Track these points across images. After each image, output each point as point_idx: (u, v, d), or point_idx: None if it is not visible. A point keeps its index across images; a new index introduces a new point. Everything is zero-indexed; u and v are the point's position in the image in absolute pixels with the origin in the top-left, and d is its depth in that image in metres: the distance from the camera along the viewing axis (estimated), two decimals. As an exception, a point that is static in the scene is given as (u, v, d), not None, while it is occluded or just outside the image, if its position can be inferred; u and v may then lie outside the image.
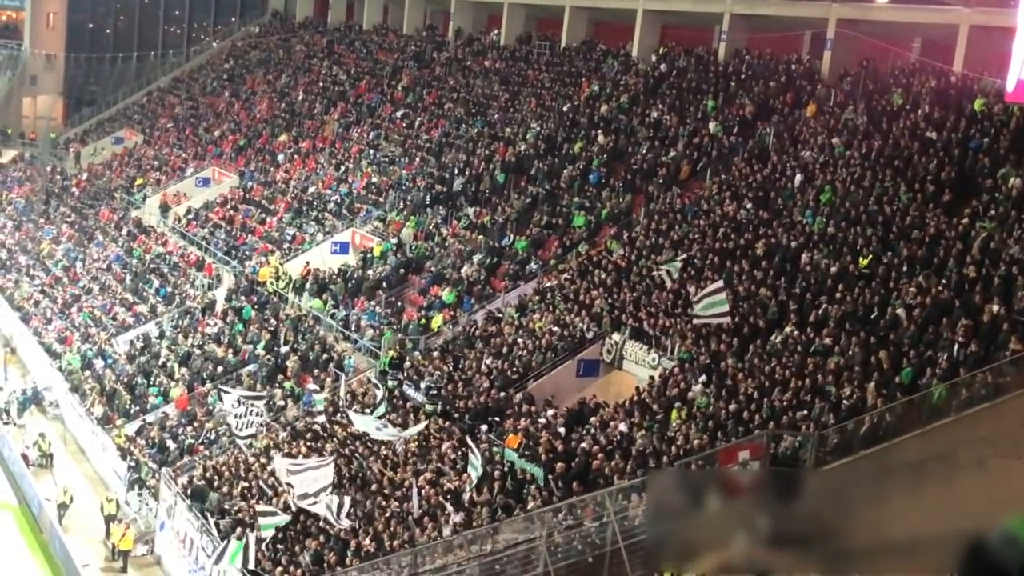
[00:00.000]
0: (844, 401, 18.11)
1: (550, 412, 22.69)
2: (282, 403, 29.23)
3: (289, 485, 22.65)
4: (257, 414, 26.07)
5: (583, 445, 20.56)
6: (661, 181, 29.91)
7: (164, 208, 45.63)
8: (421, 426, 23.60)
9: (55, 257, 46.56)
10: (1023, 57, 12.98)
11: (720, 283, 22.03)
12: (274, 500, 24.63)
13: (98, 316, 39.44)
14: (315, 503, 21.89)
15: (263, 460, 26.24)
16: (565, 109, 36.60)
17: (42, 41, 66.09)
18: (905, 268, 20.73)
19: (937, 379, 17.41)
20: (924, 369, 17.90)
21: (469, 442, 21.64)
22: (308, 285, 34.37)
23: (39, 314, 41.66)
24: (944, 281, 19.69)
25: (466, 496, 20.83)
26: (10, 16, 68.78)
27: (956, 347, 17.85)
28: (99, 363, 35.73)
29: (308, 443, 25.94)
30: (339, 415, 26.34)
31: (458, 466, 22.08)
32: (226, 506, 25.35)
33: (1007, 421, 15.79)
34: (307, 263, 35.63)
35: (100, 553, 27.27)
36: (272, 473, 24.97)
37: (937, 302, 19.21)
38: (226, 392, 27.49)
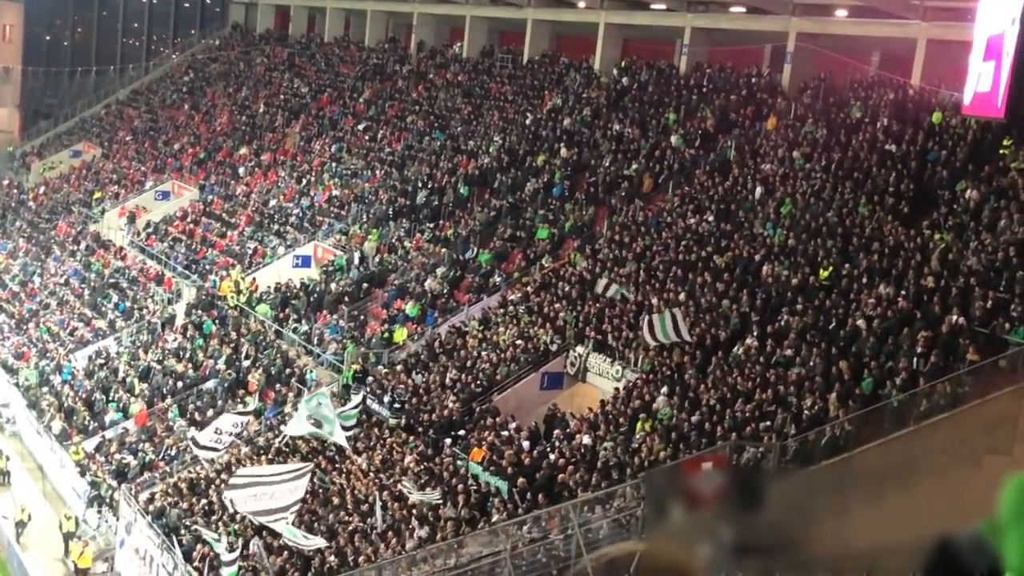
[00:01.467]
0: (806, 412, 18.26)
1: (513, 425, 22.64)
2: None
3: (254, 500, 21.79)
4: (230, 434, 25.00)
5: (550, 457, 20.55)
6: (624, 194, 30.05)
7: (131, 219, 45.01)
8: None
9: (11, 272, 45.82)
10: (979, 71, 13.19)
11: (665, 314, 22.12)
12: (237, 516, 24.33)
13: (56, 331, 38.85)
14: (281, 519, 21.26)
15: (224, 476, 25.92)
16: (528, 122, 36.69)
17: (-2, 54, 65.18)
18: (865, 279, 20.96)
19: (897, 389, 17.60)
20: (884, 380, 18.09)
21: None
22: (266, 298, 34.06)
23: (-5, 330, 40.99)
24: (903, 292, 19.93)
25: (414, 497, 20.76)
26: (-35, 28, 67.81)
27: (916, 358, 18.06)
28: (57, 379, 35.20)
29: (270, 459, 25.69)
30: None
31: (420, 480, 21.96)
32: (186, 522, 25.02)
33: (966, 430, 15.96)
34: (254, 279, 35.34)
35: (59, 571, 26.87)
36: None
37: (897, 313, 19.43)
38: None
